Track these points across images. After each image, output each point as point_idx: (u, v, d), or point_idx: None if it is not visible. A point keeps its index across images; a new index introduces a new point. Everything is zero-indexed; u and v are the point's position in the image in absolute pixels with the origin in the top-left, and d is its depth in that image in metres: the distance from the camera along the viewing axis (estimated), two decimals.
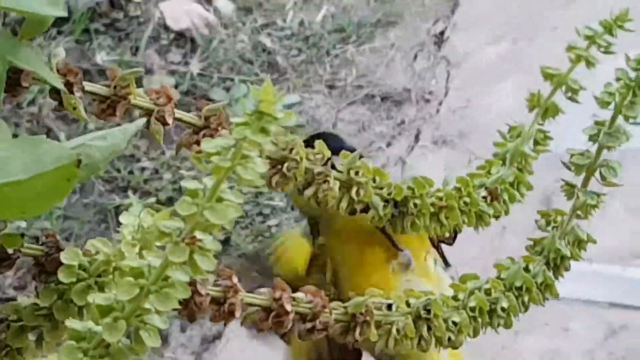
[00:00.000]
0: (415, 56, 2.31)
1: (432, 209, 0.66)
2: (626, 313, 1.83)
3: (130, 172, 2.05)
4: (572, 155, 0.63)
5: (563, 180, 0.63)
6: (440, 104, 2.20)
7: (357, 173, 0.65)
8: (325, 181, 0.64)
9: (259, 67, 2.28)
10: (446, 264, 0.82)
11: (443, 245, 0.83)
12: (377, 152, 2.12)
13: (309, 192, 0.64)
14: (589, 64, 0.65)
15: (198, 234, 0.44)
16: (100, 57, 2.24)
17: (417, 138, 2.13)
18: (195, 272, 0.44)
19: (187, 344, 1.82)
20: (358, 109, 2.21)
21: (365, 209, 0.66)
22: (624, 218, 1.94)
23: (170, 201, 1.99)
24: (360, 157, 0.66)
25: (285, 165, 0.63)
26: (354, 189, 0.65)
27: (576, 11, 2.29)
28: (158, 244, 0.46)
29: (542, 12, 2.33)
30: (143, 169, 2.07)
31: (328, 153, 0.65)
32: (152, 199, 2.00)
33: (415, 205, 0.66)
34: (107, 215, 1.99)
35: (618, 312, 1.83)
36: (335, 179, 0.64)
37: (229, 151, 0.43)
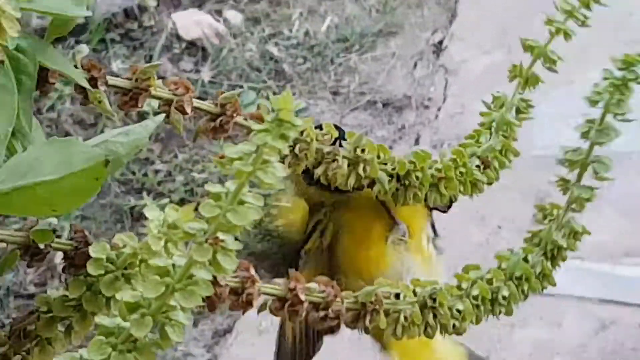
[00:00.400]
0: (415, 64, 2.31)
1: (432, 180, 0.67)
2: (616, 309, 1.82)
3: (145, 175, 2.06)
4: (566, 152, 0.63)
5: (557, 176, 0.63)
6: (438, 109, 2.20)
7: (363, 151, 0.66)
8: (334, 160, 0.65)
9: (267, 74, 2.28)
10: (435, 233, 0.82)
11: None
12: None
13: (319, 170, 0.65)
14: (567, 35, 0.66)
15: (221, 235, 0.44)
16: (116, 65, 2.25)
17: (416, 142, 2.13)
18: (218, 271, 0.44)
19: (199, 337, 1.82)
20: (361, 114, 2.21)
21: (371, 184, 0.67)
22: (614, 218, 1.93)
23: (182, 202, 1.99)
24: None
25: (297, 146, 0.64)
26: (361, 166, 0.66)
27: (568, 23, 2.29)
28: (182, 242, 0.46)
29: (535, 23, 2.33)
30: (157, 172, 2.07)
31: (336, 133, 0.66)
32: (166, 200, 2.00)
33: (417, 177, 0.67)
34: (123, 216, 1.99)
35: (608, 308, 1.82)
36: (343, 157, 0.65)
37: (251, 156, 0.44)
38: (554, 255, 0.64)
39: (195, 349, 1.81)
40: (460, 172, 0.67)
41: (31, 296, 1.86)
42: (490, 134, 0.68)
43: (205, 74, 2.27)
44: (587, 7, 0.65)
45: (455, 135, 2.12)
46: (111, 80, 0.60)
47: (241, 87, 2.24)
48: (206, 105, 0.64)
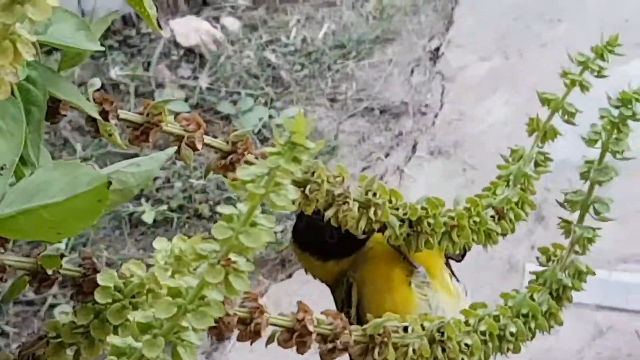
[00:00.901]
0: (412, 71, 2.31)
1: (444, 228, 0.67)
2: (612, 315, 1.83)
3: None
4: (566, 194, 0.63)
5: (560, 217, 0.64)
6: (435, 116, 2.20)
7: (374, 194, 0.66)
8: (345, 202, 0.65)
9: (264, 81, 2.28)
10: (455, 277, 0.82)
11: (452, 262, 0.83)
12: (376, 162, 2.12)
13: (329, 212, 0.65)
14: (583, 87, 0.66)
15: (233, 257, 0.44)
16: (114, 72, 2.25)
17: (414, 149, 2.13)
18: (230, 292, 0.44)
19: (198, 345, 1.82)
20: (358, 121, 2.21)
21: (382, 229, 0.67)
22: (609, 226, 1.94)
23: (180, 209, 1.99)
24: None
25: (308, 187, 0.63)
26: (372, 210, 0.66)
27: (564, 29, 2.29)
28: (194, 265, 0.46)
29: (531, 29, 2.34)
30: (155, 178, 2.06)
31: (347, 175, 0.66)
32: (164, 207, 2.00)
33: (429, 224, 0.67)
34: (121, 222, 1.99)
35: (605, 314, 1.83)
36: (354, 200, 0.65)
37: (263, 179, 0.44)
38: (560, 295, 0.65)
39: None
40: (474, 222, 0.67)
41: (30, 302, 1.85)
42: (507, 185, 0.68)
43: (203, 81, 2.27)
44: (603, 57, 0.65)
45: (452, 142, 2.13)
46: (122, 114, 0.60)
47: (239, 93, 2.24)
48: (217, 142, 0.64)
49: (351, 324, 0.62)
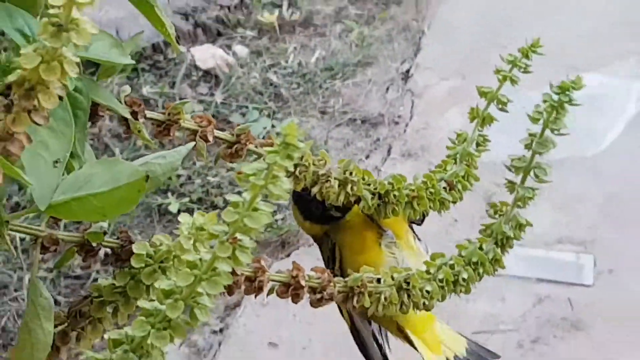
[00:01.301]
0: (387, 89, 2.31)
1: (407, 199, 0.68)
2: (549, 286, 1.82)
3: (169, 178, 2.05)
4: (512, 160, 0.63)
5: (506, 179, 0.64)
6: (406, 125, 2.20)
7: (351, 173, 0.67)
8: (327, 180, 0.66)
9: (268, 97, 2.28)
10: (417, 238, 0.82)
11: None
12: (359, 163, 2.12)
13: (315, 189, 0.66)
14: (513, 81, 0.67)
15: (239, 236, 0.44)
16: (146, 90, 2.24)
17: (389, 152, 2.13)
18: (236, 264, 0.44)
19: (213, 310, 1.82)
20: (344, 129, 2.21)
21: (357, 201, 0.68)
22: (549, 212, 1.94)
23: (199, 201, 1.99)
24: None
25: (298, 169, 0.64)
26: (349, 186, 0.67)
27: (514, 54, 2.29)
28: (208, 242, 0.46)
29: (485, 54, 2.33)
30: (179, 176, 2.06)
31: (329, 160, 0.66)
32: (186, 199, 2.00)
33: (394, 196, 0.68)
34: (152, 212, 1.99)
35: (543, 286, 1.82)
36: (335, 178, 0.66)
37: (263, 172, 0.44)
38: (504, 243, 0.65)
39: (210, 319, 1.81)
40: (430, 192, 0.68)
41: (77, 277, 1.85)
42: (455, 163, 0.69)
43: (218, 97, 2.27)
44: (527, 57, 0.66)
45: (420, 146, 2.12)
46: (148, 113, 0.61)
47: (247, 107, 2.24)
48: (224, 135, 0.64)
49: (335, 275, 0.63)
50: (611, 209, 1.96)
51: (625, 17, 2.43)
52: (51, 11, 0.42)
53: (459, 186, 0.68)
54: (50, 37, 0.42)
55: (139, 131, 0.59)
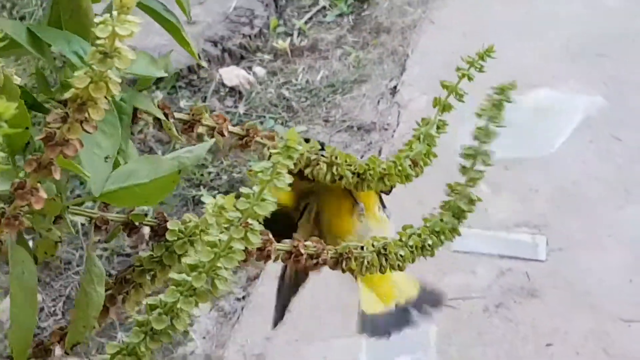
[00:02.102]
0: (378, 102, 2.31)
1: (379, 176, 0.68)
2: (510, 262, 1.83)
3: (202, 175, 2.06)
4: (464, 149, 0.64)
5: (460, 164, 0.64)
6: (394, 131, 2.20)
7: (336, 157, 0.68)
8: (317, 163, 0.67)
9: (281, 109, 2.28)
10: (384, 206, 0.82)
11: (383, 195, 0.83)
12: None
13: (307, 170, 0.67)
14: (469, 78, 0.67)
15: (250, 220, 0.45)
16: (182, 103, 2.25)
17: (379, 153, 2.12)
18: (248, 244, 0.46)
19: (237, 282, 1.82)
20: (343, 135, 2.21)
21: (340, 178, 0.68)
22: (508, 201, 1.94)
23: (226, 193, 1.99)
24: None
25: None
26: (334, 167, 0.67)
27: (480, 76, 2.29)
28: (225, 226, 0.47)
29: (456, 74, 2.34)
30: (209, 173, 2.07)
31: (318, 146, 0.67)
32: (215, 192, 2.00)
33: (370, 174, 0.68)
34: (187, 202, 1.99)
35: (505, 261, 1.82)
36: (323, 161, 0.67)
37: (269, 170, 0.45)
38: (460, 216, 0.65)
39: (235, 289, 1.81)
40: (399, 170, 0.68)
41: (128, 255, 1.86)
42: (419, 142, 0.69)
43: (241, 109, 2.27)
44: (483, 59, 0.66)
45: None
46: (177, 115, 0.61)
47: (264, 117, 2.24)
48: (237, 130, 0.65)
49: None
50: (560, 199, 1.96)
51: (569, 43, 2.44)
52: (98, 41, 0.43)
53: (421, 163, 0.68)
54: (98, 62, 0.43)
55: (170, 129, 0.59)
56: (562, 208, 1.94)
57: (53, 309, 1.80)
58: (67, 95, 0.44)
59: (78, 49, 0.49)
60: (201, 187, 2.02)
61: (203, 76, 2.36)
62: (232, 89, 2.33)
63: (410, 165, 0.68)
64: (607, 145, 2.10)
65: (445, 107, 0.69)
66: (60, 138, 0.44)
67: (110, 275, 0.56)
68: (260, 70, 2.41)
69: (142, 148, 2.06)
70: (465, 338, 1.68)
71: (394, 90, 2.33)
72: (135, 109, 0.56)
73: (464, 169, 0.64)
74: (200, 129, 0.63)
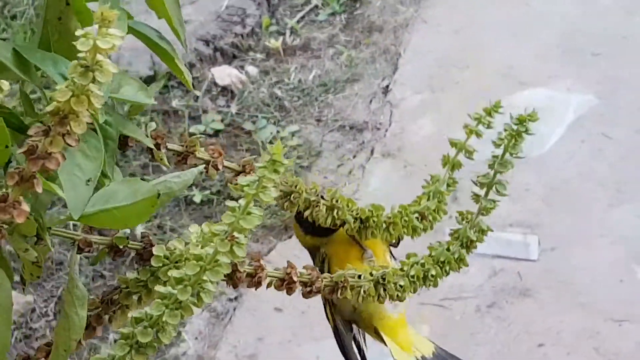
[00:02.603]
0: (371, 101, 2.30)
1: (384, 224, 0.66)
2: (502, 261, 1.83)
3: None
4: (478, 177, 0.62)
5: (473, 192, 0.63)
6: (386, 130, 2.19)
7: (337, 201, 0.66)
8: (317, 205, 0.65)
9: (274, 108, 2.27)
10: (394, 257, 0.81)
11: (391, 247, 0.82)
12: (347, 161, 2.12)
13: (307, 212, 0.65)
14: (478, 135, 0.65)
15: (235, 234, 0.45)
16: (175, 102, 2.24)
17: (372, 152, 2.13)
18: (234, 257, 0.45)
19: None
20: (335, 134, 2.20)
21: (342, 224, 0.67)
22: (503, 202, 1.93)
23: (218, 193, 1.98)
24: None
25: (292, 195, 0.64)
26: (335, 211, 0.66)
27: (470, 72, 2.29)
28: (212, 240, 0.46)
29: (449, 73, 2.33)
30: (201, 173, 2.05)
31: (319, 188, 0.66)
32: (208, 192, 1.99)
33: (373, 221, 0.66)
34: (180, 202, 1.99)
35: (498, 261, 1.83)
36: (323, 204, 0.65)
37: (255, 183, 0.44)
38: (468, 245, 0.63)
39: (227, 289, 1.81)
40: (405, 220, 0.66)
41: (103, 276, 1.84)
42: (428, 199, 0.67)
43: (233, 108, 2.26)
44: (490, 115, 0.64)
45: (397, 147, 2.12)
46: (170, 145, 0.60)
47: (257, 116, 2.23)
48: (233, 165, 0.64)
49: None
50: (552, 199, 1.96)
51: (562, 42, 2.43)
52: (80, 55, 0.43)
53: (430, 217, 0.67)
54: (79, 75, 0.43)
55: (161, 159, 0.59)
56: (555, 207, 1.94)
57: (45, 309, 1.79)
58: (48, 108, 0.44)
59: (64, 71, 0.48)
60: (193, 188, 2.01)
61: (195, 75, 2.35)
62: (224, 88, 2.32)
63: (417, 218, 0.66)
64: (599, 144, 2.09)
65: (455, 165, 0.66)
66: (42, 151, 0.44)
67: (103, 276, 0.55)
68: (252, 70, 2.40)
69: (145, 172, 2.04)
70: (458, 338, 1.68)
71: (386, 90, 2.33)
72: (125, 137, 0.56)
73: (476, 197, 0.62)
74: (194, 162, 0.62)
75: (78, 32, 0.41)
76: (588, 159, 2.05)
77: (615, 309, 1.71)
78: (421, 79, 2.32)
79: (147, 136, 0.58)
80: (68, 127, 0.44)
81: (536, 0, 2.59)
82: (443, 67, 2.36)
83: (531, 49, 2.40)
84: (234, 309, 1.78)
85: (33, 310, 1.79)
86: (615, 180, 1.99)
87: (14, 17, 2.37)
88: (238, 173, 0.64)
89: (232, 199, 0.47)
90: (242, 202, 0.45)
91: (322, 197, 0.65)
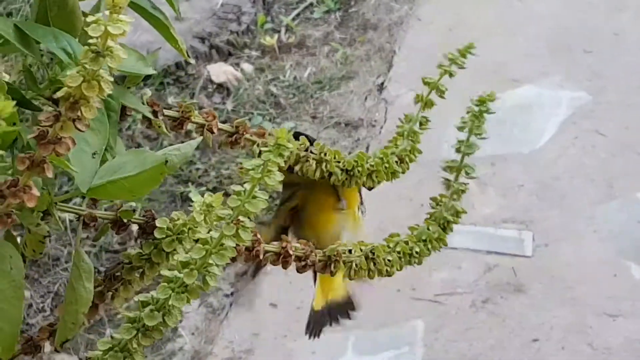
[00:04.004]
0: (366, 98, 2.31)
1: (367, 172, 0.68)
2: (497, 257, 1.83)
3: (190, 171, 2.06)
4: (446, 162, 0.64)
5: (443, 177, 0.64)
6: (381, 128, 2.20)
7: (325, 154, 0.67)
8: (307, 160, 0.66)
9: (269, 105, 2.28)
10: (361, 201, 0.83)
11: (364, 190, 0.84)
12: None
13: (297, 167, 0.66)
14: (451, 75, 0.67)
15: (241, 218, 0.45)
16: (170, 100, 2.24)
17: (367, 149, 2.13)
18: (239, 241, 0.46)
19: (225, 277, 1.82)
20: (330, 131, 2.21)
21: (329, 175, 0.68)
22: (495, 198, 1.95)
23: (214, 189, 1.99)
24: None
25: None
26: (324, 164, 0.67)
27: (466, 70, 2.29)
28: (216, 223, 0.47)
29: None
30: (197, 169, 2.07)
31: (307, 143, 0.67)
32: (204, 188, 2.00)
33: (358, 171, 0.67)
34: (176, 198, 1.99)
35: (492, 257, 1.83)
36: (312, 158, 0.67)
37: (260, 167, 0.45)
38: (445, 226, 0.65)
39: (223, 285, 1.81)
40: (386, 167, 0.67)
41: (116, 252, 1.86)
42: (404, 138, 0.69)
43: (229, 105, 2.27)
44: (464, 56, 0.66)
45: None
46: (166, 112, 0.61)
47: (252, 113, 2.24)
48: (226, 127, 0.65)
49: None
50: (546, 195, 1.97)
51: (552, 39, 2.44)
52: (91, 40, 0.43)
53: (407, 159, 0.68)
54: (90, 61, 0.43)
55: (159, 126, 0.59)
56: (548, 204, 1.94)
57: (41, 305, 1.79)
58: (59, 94, 0.44)
59: (66, 46, 0.48)
60: (189, 184, 2.02)
61: (191, 73, 2.35)
62: (219, 85, 2.33)
63: (396, 162, 0.68)
64: (590, 140, 2.11)
65: (427, 104, 0.68)
66: (53, 136, 0.44)
67: (99, 272, 0.55)
68: (247, 67, 2.41)
69: (130, 144, 2.05)
70: (452, 333, 1.69)
71: (381, 87, 2.33)
72: (123, 107, 0.56)
73: (447, 182, 0.64)
74: (190, 126, 0.62)
75: (89, 18, 0.42)
76: (579, 156, 2.06)
77: (609, 304, 1.72)
78: (415, 77, 2.31)
79: (144, 104, 0.58)
80: (79, 112, 0.44)
81: None
82: (435, 65, 2.36)
83: (522, 46, 2.42)
84: (230, 305, 1.78)
85: (30, 305, 1.79)
86: (606, 177, 2.00)
87: (9, 15, 2.37)
88: (232, 135, 0.65)
89: (228, 195, 0.47)
90: (247, 186, 0.45)
91: (311, 152, 0.66)
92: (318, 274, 0.78)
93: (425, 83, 0.67)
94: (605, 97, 2.23)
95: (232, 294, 1.80)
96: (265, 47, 2.48)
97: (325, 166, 0.67)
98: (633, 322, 1.69)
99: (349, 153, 2.14)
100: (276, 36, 2.51)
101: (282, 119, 2.22)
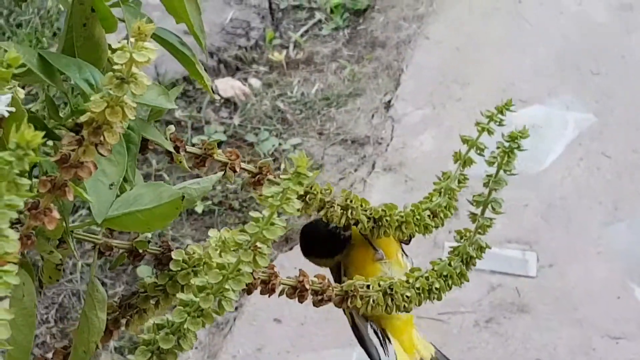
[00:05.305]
0: (373, 116, 2.31)
1: (397, 223, 0.67)
2: (501, 277, 1.83)
3: None
4: (474, 197, 0.63)
5: (469, 211, 0.64)
6: (387, 145, 2.20)
7: (351, 201, 0.66)
8: (332, 206, 0.66)
9: (276, 121, 2.27)
10: (405, 254, 0.82)
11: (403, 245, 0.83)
12: (349, 175, 2.12)
13: (322, 212, 0.66)
14: (490, 132, 0.66)
15: (258, 244, 0.45)
16: (178, 113, 2.24)
17: (373, 166, 2.13)
18: (256, 267, 0.46)
19: None
20: (337, 148, 2.21)
21: (356, 223, 0.67)
22: (501, 218, 1.94)
23: (220, 203, 1.98)
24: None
25: (307, 196, 0.64)
26: (349, 210, 0.66)
27: (471, 89, 2.29)
28: (233, 249, 0.47)
29: (449, 89, 2.34)
30: None
31: (333, 189, 0.66)
32: (209, 202, 1.99)
33: (387, 220, 0.67)
34: (181, 213, 1.98)
35: (496, 276, 1.83)
36: (337, 204, 0.66)
37: (279, 195, 0.45)
38: (468, 262, 0.65)
39: None
40: (417, 219, 0.67)
41: (121, 264, 1.84)
42: (440, 195, 0.68)
43: (236, 120, 2.27)
44: (502, 113, 0.65)
45: (398, 162, 2.12)
46: (189, 149, 0.61)
47: (259, 128, 2.24)
48: (250, 167, 0.64)
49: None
50: (551, 216, 1.97)
51: (560, 59, 2.45)
52: (115, 67, 0.43)
53: (441, 214, 0.68)
54: (115, 87, 0.44)
55: (180, 162, 0.59)
56: (552, 224, 1.94)
57: (46, 316, 1.79)
58: (83, 118, 0.45)
59: (89, 77, 0.49)
60: None
61: (199, 87, 2.35)
62: (227, 100, 2.33)
63: (429, 216, 0.67)
64: (597, 162, 2.10)
65: (466, 162, 0.67)
66: (75, 160, 0.45)
67: (104, 283, 0.55)
68: (255, 82, 2.41)
69: (138, 157, 2.05)
70: (455, 352, 1.68)
71: (388, 105, 2.33)
72: (145, 140, 0.56)
73: (473, 216, 0.63)
74: (212, 164, 0.62)
75: (115, 45, 0.42)
76: (586, 177, 2.06)
77: (612, 326, 1.72)
78: (423, 95, 2.33)
79: (166, 139, 0.58)
80: (101, 137, 0.45)
81: (535, 18, 2.61)
82: (444, 83, 2.37)
83: (530, 66, 2.42)
84: (234, 319, 1.78)
85: None
86: (612, 198, 1.99)
87: (19, 26, 2.38)
88: (255, 175, 0.64)
89: (233, 209, 0.47)
90: (265, 212, 0.45)
91: (335, 197, 0.66)
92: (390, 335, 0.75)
93: (464, 141, 0.66)
94: (612, 119, 2.23)
95: (236, 308, 1.80)
96: (273, 63, 2.48)
97: (351, 213, 0.66)
98: (637, 344, 1.69)
99: (355, 170, 2.16)
100: (284, 52, 2.51)
101: (289, 134, 2.22)
